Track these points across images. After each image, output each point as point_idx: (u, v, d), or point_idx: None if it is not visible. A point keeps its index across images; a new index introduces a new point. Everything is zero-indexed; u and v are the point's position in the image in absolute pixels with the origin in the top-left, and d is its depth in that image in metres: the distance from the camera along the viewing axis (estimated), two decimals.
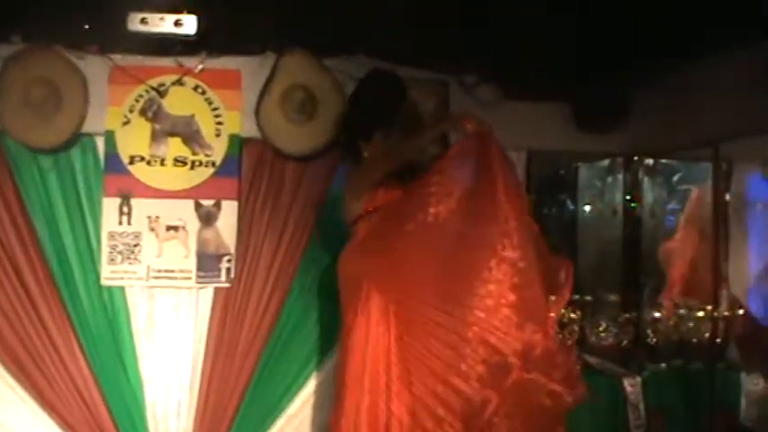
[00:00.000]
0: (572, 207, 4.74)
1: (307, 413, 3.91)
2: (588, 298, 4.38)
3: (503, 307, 2.84)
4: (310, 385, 3.91)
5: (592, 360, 4.14)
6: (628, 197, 4.48)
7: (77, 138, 3.80)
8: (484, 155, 2.93)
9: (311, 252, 3.90)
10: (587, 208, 4.74)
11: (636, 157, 4.47)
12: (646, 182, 4.52)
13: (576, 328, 4.20)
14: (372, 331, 2.95)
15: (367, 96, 3.37)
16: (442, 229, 2.93)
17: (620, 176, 4.53)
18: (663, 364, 4.23)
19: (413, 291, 2.96)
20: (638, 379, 4.03)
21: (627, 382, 4.00)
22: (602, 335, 4.20)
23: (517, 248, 2.85)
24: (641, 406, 4.01)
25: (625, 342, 4.24)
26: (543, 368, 2.88)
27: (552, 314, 2.99)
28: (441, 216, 2.92)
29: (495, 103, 4.03)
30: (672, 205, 4.69)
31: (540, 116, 4.13)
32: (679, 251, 4.56)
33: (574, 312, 4.21)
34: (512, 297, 2.85)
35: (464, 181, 2.95)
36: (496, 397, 2.84)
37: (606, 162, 4.62)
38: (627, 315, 4.32)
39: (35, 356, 3.74)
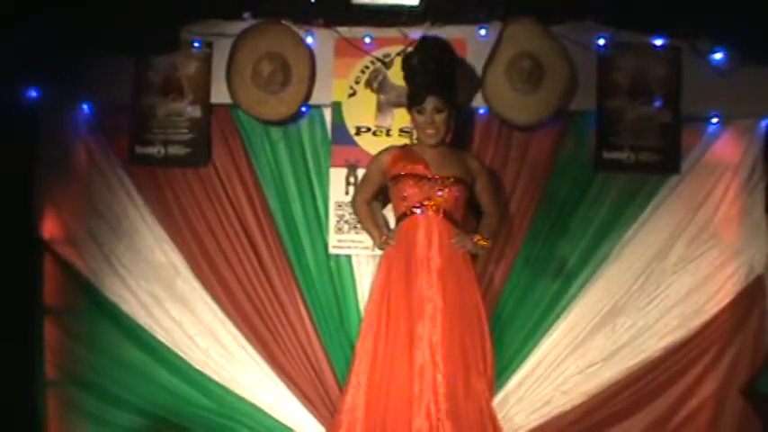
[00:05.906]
0: None
1: (524, 390, 3.84)
2: None
3: None
4: (529, 362, 3.84)
5: None
6: None
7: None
8: None
9: (537, 223, 3.83)
10: None
11: None
12: None
13: None
14: None
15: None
16: None
17: None
18: None
19: None
20: None
21: None
22: None
23: None
24: None
25: None
26: None
27: None
28: None
29: (731, 69, 3.80)
30: None
31: None
32: None
33: None
34: None
35: None
36: None
37: None
38: None
39: (266, 319, 3.91)
